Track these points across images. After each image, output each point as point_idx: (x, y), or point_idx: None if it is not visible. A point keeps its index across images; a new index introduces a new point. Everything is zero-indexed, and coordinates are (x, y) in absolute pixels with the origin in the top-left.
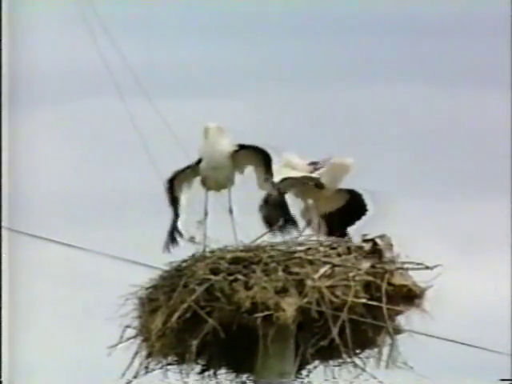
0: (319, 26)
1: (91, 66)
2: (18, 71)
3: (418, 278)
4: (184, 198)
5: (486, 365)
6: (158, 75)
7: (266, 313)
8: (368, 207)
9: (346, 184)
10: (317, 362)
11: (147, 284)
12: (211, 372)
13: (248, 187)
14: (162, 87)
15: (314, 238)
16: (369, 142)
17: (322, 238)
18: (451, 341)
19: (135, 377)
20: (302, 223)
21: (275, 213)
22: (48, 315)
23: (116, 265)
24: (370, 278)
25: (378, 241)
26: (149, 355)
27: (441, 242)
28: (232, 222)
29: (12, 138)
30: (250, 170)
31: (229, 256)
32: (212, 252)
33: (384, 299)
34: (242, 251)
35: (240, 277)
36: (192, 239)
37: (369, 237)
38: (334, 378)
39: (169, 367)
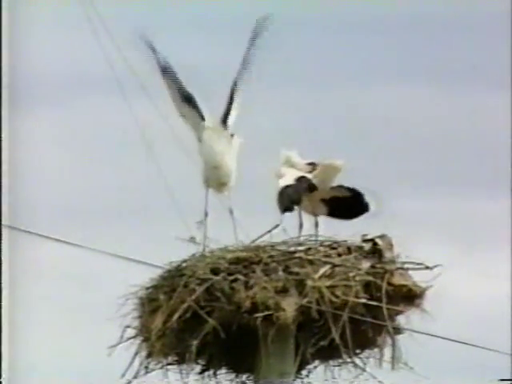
0: (319, 26)
1: (92, 66)
2: (18, 71)
3: (418, 278)
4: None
5: (486, 365)
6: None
7: (266, 313)
8: (369, 206)
9: (344, 183)
10: (317, 362)
11: (147, 284)
12: (211, 372)
13: (248, 187)
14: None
15: (314, 238)
16: (369, 142)
17: (322, 237)
18: (451, 340)
19: (135, 377)
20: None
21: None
22: (48, 315)
23: (116, 264)
24: (370, 278)
25: (378, 241)
26: (149, 355)
27: (441, 242)
28: (233, 222)
29: (12, 138)
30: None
31: (229, 256)
32: (212, 252)
33: (384, 299)
34: (242, 251)
35: (240, 277)
36: (192, 239)
37: (369, 237)
38: (333, 378)
39: (169, 367)
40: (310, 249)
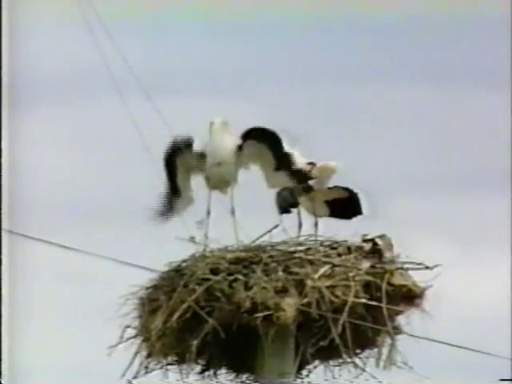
0: (320, 27)
1: (92, 66)
2: (18, 71)
3: (418, 278)
4: (183, 178)
5: (486, 365)
6: (159, 75)
7: (266, 313)
8: (362, 208)
9: (344, 184)
10: (317, 362)
11: (147, 284)
12: (211, 372)
13: (249, 187)
14: (163, 87)
15: (314, 238)
16: (369, 142)
17: (322, 237)
18: (450, 344)
19: (135, 377)
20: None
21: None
22: (48, 315)
23: (116, 265)
24: (370, 278)
25: (378, 241)
26: (149, 355)
27: (441, 242)
28: (233, 222)
29: (12, 138)
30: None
31: (229, 256)
32: (212, 252)
33: (384, 299)
34: (242, 251)
35: (240, 277)
36: (192, 239)
37: (369, 237)
38: (333, 378)
39: (169, 367)
40: (309, 249)
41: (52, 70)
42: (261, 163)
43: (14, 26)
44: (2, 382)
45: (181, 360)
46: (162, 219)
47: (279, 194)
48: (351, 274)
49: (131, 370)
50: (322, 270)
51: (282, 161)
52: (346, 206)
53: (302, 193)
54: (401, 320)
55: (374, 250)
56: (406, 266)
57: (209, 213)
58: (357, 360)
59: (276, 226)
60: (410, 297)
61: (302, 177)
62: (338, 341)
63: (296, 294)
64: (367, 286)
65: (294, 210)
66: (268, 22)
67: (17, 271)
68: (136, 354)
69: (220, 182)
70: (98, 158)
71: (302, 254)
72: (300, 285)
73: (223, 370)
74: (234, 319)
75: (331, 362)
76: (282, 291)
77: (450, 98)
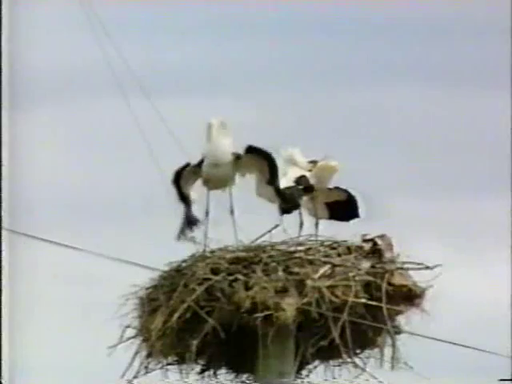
0: (319, 27)
1: (92, 66)
2: (19, 71)
3: (418, 278)
4: (193, 193)
5: (486, 365)
6: (159, 75)
7: (266, 313)
8: (360, 211)
9: (344, 184)
10: (317, 362)
11: (147, 284)
12: (211, 372)
13: (249, 187)
14: (163, 87)
15: (314, 238)
16: (369, 142)
17: (322, 237)
18: (450, 343)
19: (135, 377)
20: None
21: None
22: (48, 315)
23: (116, 265)
24: (370, 278)
25: (378, 241)
26: (149, 355)
27: (441, 242)
28: (233, 222)
29: (12, 138)
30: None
31: (229, 256)
32: (212, 252)
33: (384, 299)
34: (242, 251)
35: (240, 277)
36: (192, 239)
37: (369, 237)
38: (333, 378)
39: (169, 367)
40: (310, 249)
41: (52, 69)
42: (256, 174)
43: (14, 26)
44: (2, 382)
45: (181, 360)
46: (185, 235)
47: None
48: (351, 274)
49: (131, 369)
50: (322, 270)
51: (275, 179)
52: (345, 208)
53: (303, 193)
54: (401, 320)
55: (374, 250)
56: (405, 265)
57: (207, 213)
58: (357, 360)
59: (276, 226)
60: (410, 297)
61: (286, 200)
62: (338, 341)
63: (296, 294)
64: (367, 286)
65: (295, 211)
66: (268, 22)
67: (17, 270)
68: (136, 353)
69: (218, 182)
70: (98, 157)
71: (302, 254)
72: (300, 285)
73: (223, 370)
74: (233, 319)
75: (331, 362)
76: (282, 291)
77: (450, 98)
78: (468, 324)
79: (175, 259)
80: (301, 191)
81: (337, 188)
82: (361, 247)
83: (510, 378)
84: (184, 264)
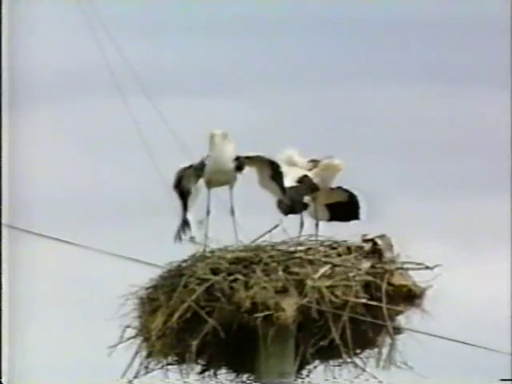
0: (318, 27)
1: (92, 66)
2: (18, 71)
3: (418, 278)
4: (194, 191)
5: (486, 364)
6: (159, 75)
7: (266, 313)
8: (361, 210)
9: (343, 184)
10: (317, 362)
11: (147, 284)
12: (211, 372)
13: (248, 187)
14: (163, 87)
15: (314, 238)
16: (368, 142)
17: (322, 237)
18: (451, 340)
19: (135, 377)
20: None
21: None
22: (48, 315)
23: (116, 264)
24: (370, 278)
25: (378, 241)
26: (149, 355)
27: (441, 242)
28: (233, 222)
29: (12, 138)
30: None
31: (229, 256)
32: (212, 252)
33: (384, 299)
34: (242, 251)
35: (240, 277)
36: (192, 239)
37: (369, 237)
38: (334, 378)
39: (169, 367)
40: (310, 249)
41: (52, 69)
42: (258, 169)
43: (14, 26)
44: (2, 381)
45: (181, 360)
46: (180, 238)
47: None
48: (351, 274)
49: (131, 370)
50: (322, 270)
51: (278, 176)
52: (345, 209)
53: (308, 192)
54: (401, 320)
55: (374, 250)
56: (406, 265)
57: (208, 212)
58: (357, 360)
59: (276, 226)
60: (410, 297)
61: (293, 200)
62: (338, 341)
63: (296, 294)
64: (367, 286)
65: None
66: (268, 22)
67: (17, 266)
68: (136, 354)
69: (220, 184)
70: (98, 157)
71: (302, 254)
72: (300, 285)
73: (223, 370)
74: (234, 319)
75: (331, 362)
76: (282, 291)
77: (450, 97)
78: (468, 323)
79: (175, 259)
80: (305, 190)
81: (339, 188)
82: (361, 247)
83: (510, 377)
84: (184, 264)
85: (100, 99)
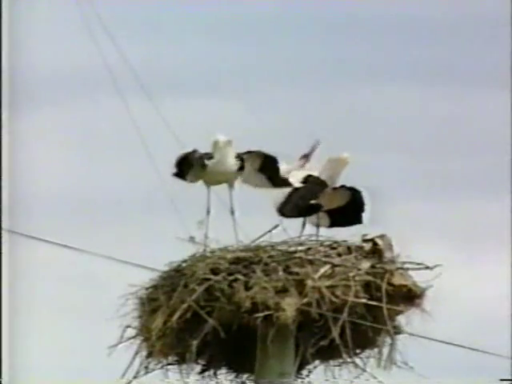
0: (318, 27)
1: (92, 66)
2: (18, 71)
3: (418, 278)
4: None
5: (486, 364)
6: (159, 75)
7: (266, 313)
8: (366, 206)
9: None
10: (317, 362)
11: (147, 284)
12: (211, 372)
13: (248, 187)
14: (163, 87)
15: (314, 238)
16: (368, 143)
17: (322, 237)
18: (451, 344)
19: (135, 377)
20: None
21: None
22: (48, 315)
23: (116, 264)
24: (370, 278)
25: (378, 241)
26: (149, 355)
27: (441, 242)
28: (233, 222)
29: (12, 138)
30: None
31: (229, 256)
32: (212, 252)
33: (384, 299)
34: (242, 251)
35: (240, 277)
36: (192, 239)
37: (369, 237)
38: (334, 378)
39: (169, 367)
40: (310, 249)
41: (52, 70)
42: (247, 164)
43: (14, 26)
44: (2, 382)
45: (181, 360)
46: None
47: (293, 195)
48: (351, 274)
49: (131, 369)
50: (322, 270)
51: (268, 169)
52: (346, 214)
53: (316, 191)
54: (401, 320)
55: (374, 250)
56: (406, 265)
57: (208, 212)
58: (357, 360)
59: (276, 226)
60: (410, 297)
61: (282, 184)
62: (338, 341)
63: (296, 294)
64: (367, 286)
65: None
66: (268, 22)
67: (17, 271)
68: (136, 354)
69: (218, 183)
70: (98, 157)
71: (302, 254)
72: (300, 285)
73: (223, 370)
74: (234, 319)
75: (331, 362)
76: (282, 291)
77: (449, 98)
78: (468, 324)
79: (175, 259)
80: (313, 190)
81: (342, 187)
82: (361, 247)
83: (510, 378)
84: (184, 264)
85: (100, 99)
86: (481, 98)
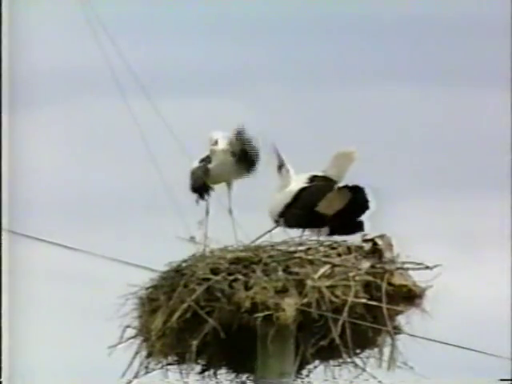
0: (319, 28)
1: (92, 66)
2: (18, 71)
3: (418, 278)
4: None
5: (486, 365)
6: (159, 75)
7: (266, 313)
8: (370, 203)
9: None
10: (317, 362)
11: (147, 284)
12: (211, 372)
13: (248, 187)
14: (163, 87)
15: (314, 238)
16: (367, 143)
17: (322, 238)
18: (450, 344)
19: (135, 377)
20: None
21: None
22: (48, 315)
23: (116, 265)
24: (370, 278)
25: (378, 241)
26: (149, 355)
27: (441, 242)
28: (232, 222)
29: (12, 138)
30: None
31: (229, 256)
32: (212, 252)
33: (384, 299)
34: (242, 251)
35: (240, 277)
36: (192, 239)
37: (369, 237)
38: (334, 378)
39: (169, 367)
40: (309, 249)
41: (52, 70)
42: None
43: (14, 26)
44: (2, 382)
45: (181, 360)
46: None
47: (301, 196)
48: (351, 274)
49: (131, 370)
50: (322, 270)
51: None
52: (346, 221)
53: (324, 190)
54: (401, 320)
55: (374, 250)
56: (406, 265)
57: (208, 212)
58: (357, 360)
59: (276, 226)
60: (410, 297)
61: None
62: (338, 341)
63: (296, 294)
64: (367, 286)
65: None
66: (269, 22)
67: (17, 271)
68: (136, 354)
69: (217, 182)
70: (97, 157)
71: (302, 254)
72: (300, 285)
73: (223, 370)
74: (234, 319)
75: (331, 362)
76: (282, 291)
77: (449, 97)
78: (468, 324)
79: (175, 259)
80: (321, 188)
81: (344, 187)
82: (361, 247)
83: (510, 378)
84: (184, 264)
85: (100, 99)
86: (481, 98)
